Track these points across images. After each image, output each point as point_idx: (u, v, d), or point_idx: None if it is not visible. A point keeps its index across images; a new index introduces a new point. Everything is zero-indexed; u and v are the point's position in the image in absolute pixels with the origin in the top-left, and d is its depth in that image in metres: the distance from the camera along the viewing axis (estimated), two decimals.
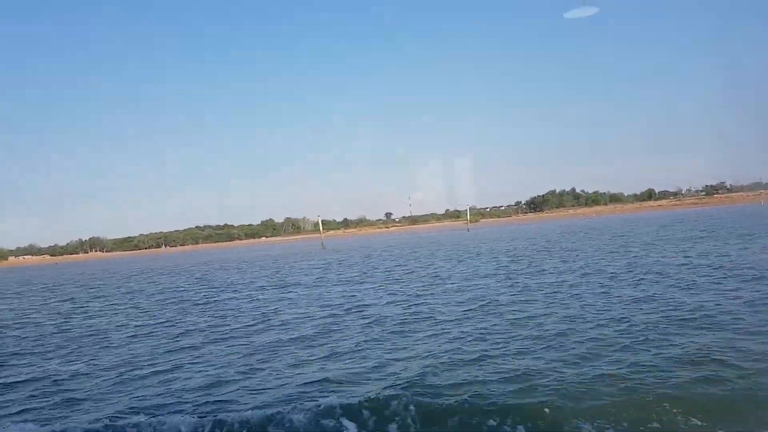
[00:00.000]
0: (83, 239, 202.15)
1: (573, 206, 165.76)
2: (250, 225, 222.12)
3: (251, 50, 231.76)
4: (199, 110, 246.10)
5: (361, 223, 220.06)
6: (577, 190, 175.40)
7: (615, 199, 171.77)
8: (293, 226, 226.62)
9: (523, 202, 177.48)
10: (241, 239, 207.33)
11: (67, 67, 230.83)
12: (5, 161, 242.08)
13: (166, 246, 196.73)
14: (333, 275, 26.80)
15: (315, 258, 45.15)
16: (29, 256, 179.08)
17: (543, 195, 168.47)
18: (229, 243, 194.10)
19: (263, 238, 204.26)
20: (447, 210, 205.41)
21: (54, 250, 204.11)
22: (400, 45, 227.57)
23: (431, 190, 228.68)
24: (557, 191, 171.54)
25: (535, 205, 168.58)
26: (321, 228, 69.87)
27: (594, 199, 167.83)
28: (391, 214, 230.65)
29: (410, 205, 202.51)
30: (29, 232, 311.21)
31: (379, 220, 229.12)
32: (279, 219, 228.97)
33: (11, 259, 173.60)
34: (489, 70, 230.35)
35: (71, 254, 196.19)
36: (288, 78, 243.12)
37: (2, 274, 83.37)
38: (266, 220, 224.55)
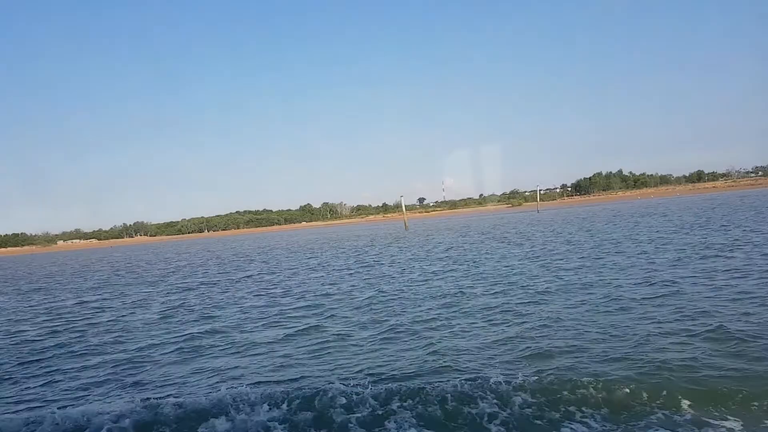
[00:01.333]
0: (128, 224, 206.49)
1: (621, 189, 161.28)
2: (288, 210, 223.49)
3: (286, 45, 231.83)
4: (238, 100, 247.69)
5: (398, 208, 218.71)
6: (624, 172, 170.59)
7: (664, 180, 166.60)
8: (330, 211, 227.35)
9: (568, 185, 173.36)
10: (280, 224, 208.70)
11: (112, 56, 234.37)
12: (48, 150, 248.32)
13: (208, 230, 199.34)
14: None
15: (437, 239, 39.07)
16: (77, 240, 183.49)
17: (590, 177, 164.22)
18: (270, 228, 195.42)
19: (303, 222, 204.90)
20: (481, 195, 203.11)
21: (98, 235, 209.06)
22: (439, 34, 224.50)
23: (462, 176, 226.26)
24: (603, 173, 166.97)
25: (581, 187, 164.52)
26: (404, 209, 68.94)
27: (643, 181, 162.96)
28: (424, 199, 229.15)
29: (443, 190, 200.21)
30: (70, 217, 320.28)
31: (414, 205, 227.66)
32: (315, 204, 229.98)
33: (60, 243, 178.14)
34: (527, 55, 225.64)
35: (116, 238, 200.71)
36: (323, 70, 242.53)
37: (81, 256, 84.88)
38: (304, 205, 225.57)
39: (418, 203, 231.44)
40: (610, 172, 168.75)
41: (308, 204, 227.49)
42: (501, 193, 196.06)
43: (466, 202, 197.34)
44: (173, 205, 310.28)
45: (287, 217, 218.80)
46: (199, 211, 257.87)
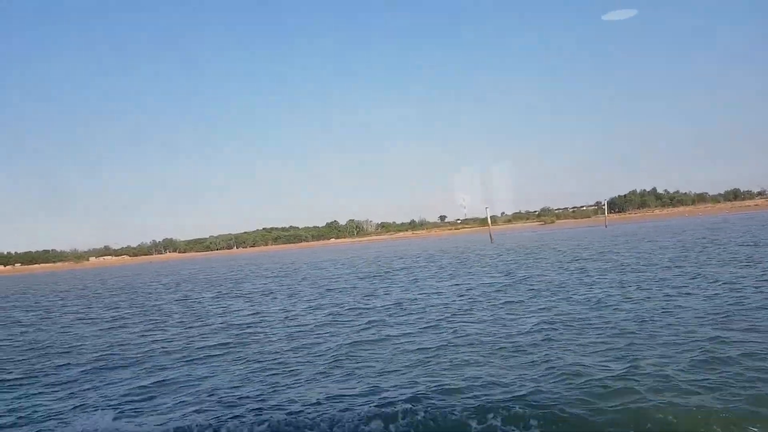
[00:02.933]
0: (157, 240, 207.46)
1: (657, 206, 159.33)
2: (315, 227, 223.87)
3: (310, 60, 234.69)
4: (260, 116, 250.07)
5: (424, 224, 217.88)
6: (659, 190, 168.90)
7: (700, 199, 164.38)
8: (357, 228, 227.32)
9: (602, 203, 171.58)
10: (308, 241, 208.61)
11: (137, 70, 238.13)
12: (73, 166, 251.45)
13: (237, 247, 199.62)
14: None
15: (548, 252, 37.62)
16: (109, 257, 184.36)
17: (624, 195, 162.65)
18: (301, 244, 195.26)
19: (332, 239, 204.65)
20: (503, 213, 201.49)
21: (127, 251, 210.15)
22: (462, 44, 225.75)
23: (479, 193, 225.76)
24: (638, 191, 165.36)
25: (616, 205, 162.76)
26: (489, 221, 68.14)
27: (679, 199, 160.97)
28: (445, 216, 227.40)
29: (464, 207, 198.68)
30: (97, 234, 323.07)
31: (436, 222, 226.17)
32: (337, 221, 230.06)
33: (92, 259, 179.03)
34: (556, 70, 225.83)
35: (144, 255, 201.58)
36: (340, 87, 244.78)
37: (145, 270, 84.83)
38: (331, 222, 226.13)
39: (439, 220, 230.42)
40: (644, 190, 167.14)
41: (335, 221, 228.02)
42: (523, 210, 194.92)
43: (494, 220, 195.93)
44: (192, 222, 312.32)
45: (314, 234, 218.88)
46: (218, 229, 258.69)
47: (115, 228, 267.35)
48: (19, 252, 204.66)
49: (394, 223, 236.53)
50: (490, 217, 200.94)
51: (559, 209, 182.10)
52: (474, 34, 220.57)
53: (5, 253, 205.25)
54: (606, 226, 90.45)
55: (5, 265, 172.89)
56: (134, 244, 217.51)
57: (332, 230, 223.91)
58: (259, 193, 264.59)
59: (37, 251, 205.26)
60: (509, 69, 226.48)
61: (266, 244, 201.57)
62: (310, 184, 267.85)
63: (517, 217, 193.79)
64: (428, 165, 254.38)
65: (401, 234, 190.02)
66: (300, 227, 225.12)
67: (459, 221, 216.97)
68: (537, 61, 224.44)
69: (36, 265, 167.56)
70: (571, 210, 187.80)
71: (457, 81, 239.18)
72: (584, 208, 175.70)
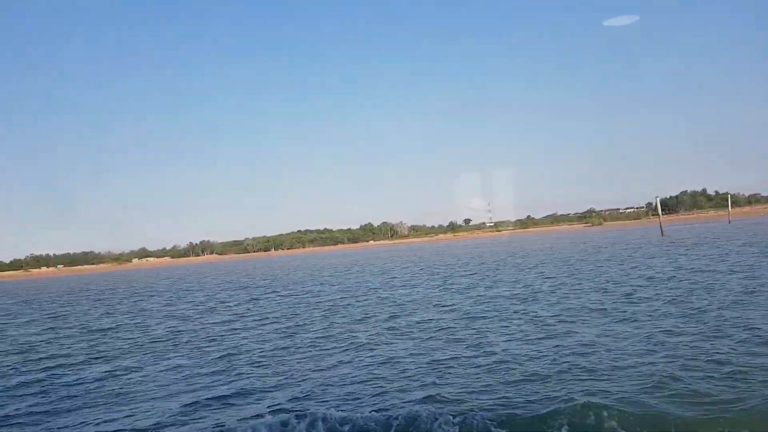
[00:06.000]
0: (194, 242, 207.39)
1: (710, 207, 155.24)
2: (349, 229, 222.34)
3: (341, 60, 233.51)
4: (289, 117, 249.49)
5: (460, 227, 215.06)
6: (708, 191, 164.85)
7: (755, 199, 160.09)
8: (391, 230, 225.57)
9: (653, 204, 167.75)
10: (344, 243, 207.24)
11: (172, 67, 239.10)
12: (106, 171, 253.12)
13: (275, 249, 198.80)
14: None
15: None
16: (152, 258, 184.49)
17: (676, 196, 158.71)
18: (338, 246, 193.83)
19: (371, 241, 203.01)
20: (528, 216, 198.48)
21: (161, 253, 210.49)
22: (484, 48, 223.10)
23: (509, 196, 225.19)
24: (688, 191, 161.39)
25: (667, 206, 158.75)
26: (660, 212, 69.65)
27: (733, 201, 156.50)
28: (470, 220, 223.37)
29: (490, 211, 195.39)
30: (135, 236, 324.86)
31: (481, 223, 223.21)
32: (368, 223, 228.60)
33: (135, 261, 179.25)
34: (592, 72, 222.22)
35: (182, 257, 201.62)
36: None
37: (206, 269, 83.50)
38: (365, 224, 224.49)
39: (464, 223, 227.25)
40: (695, 191, 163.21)
41: (369, 223, 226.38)
42: (559, 213, 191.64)
43: (536, 222, 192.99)
44: (225, 224, 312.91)
45: (349, 237, 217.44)
46: (250, 231, 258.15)
47: (143, 231, 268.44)
48: (57, 254, 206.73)
49: (424, 225, 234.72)
50: (526, 219, 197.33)
51: (603, 210, 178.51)
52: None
53: (43, 255, 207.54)
54: (729, 222, 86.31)
55: (48, 266, 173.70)
56: (168, 246, 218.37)
57: (366, 232, 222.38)
58: (293, 195, 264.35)
59: (76, 253, 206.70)
60: (523, 70, 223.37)
61: (303, 246, 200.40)
62: (342, 186, 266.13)
63: (558, 218, 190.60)
64: (448, 169, 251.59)
65: (441, 236, 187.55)
66: (334, 230, 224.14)
67: (492, 224, 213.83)
68: (566, 62, 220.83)
69: (80, 267, 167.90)
70: (621, 211, 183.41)
71: (464, 84, 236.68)
72: (634, 209, 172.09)
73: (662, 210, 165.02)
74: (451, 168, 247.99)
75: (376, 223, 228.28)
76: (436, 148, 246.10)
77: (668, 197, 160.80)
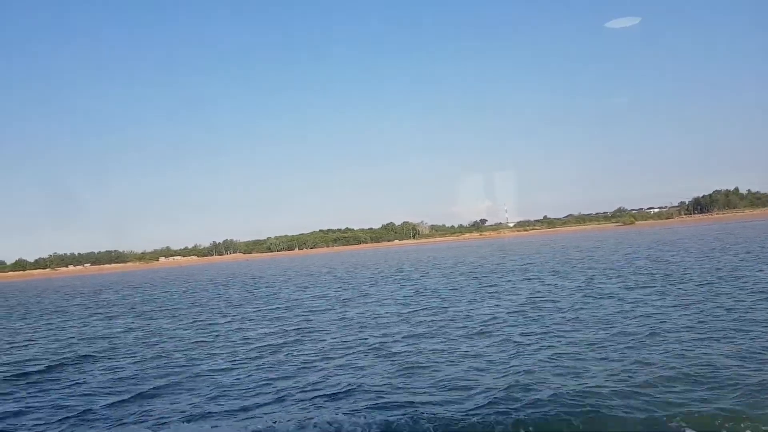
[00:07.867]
0: (217, 241, 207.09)
1: (745, 206, 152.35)
2: (371, 229, 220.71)
3: (366, 62, 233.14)
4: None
5: (486, 227, 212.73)
6: (741, 190, 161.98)
7: None
8: (413, 229, 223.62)
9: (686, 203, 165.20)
10: (366, 242, 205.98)
11: (191, 72, 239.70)
12: (130, 172, 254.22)
13: (298, 248, 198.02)
14: None
15: None
16: (179, 257, 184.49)
17: (710, 195, 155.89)
18: (360, 246, 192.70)
19: (395, 240, 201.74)
20: (545, 216, 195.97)
21: (187, 252, 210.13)
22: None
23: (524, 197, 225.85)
24: (722, 190, 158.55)
25: (701, 205, 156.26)
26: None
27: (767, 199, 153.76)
28: (485, 220, 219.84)
29: (506, 212, 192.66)
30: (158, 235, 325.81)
31: (499, 224, 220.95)
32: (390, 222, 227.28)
33: (162, 260, 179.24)
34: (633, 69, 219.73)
35: (205, 256, 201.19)
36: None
37: (239, 269, 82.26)
38: (387, 224, 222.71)
39: (480, 223, 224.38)
40: (728, 190, 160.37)
41: (391, 222, 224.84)
42: (591, 212, 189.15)
43: (564, 221, 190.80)
44: (247, 223, 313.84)
45: (371, 236, 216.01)
46: (272, 230, 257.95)
47: (163, 230, 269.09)
48: (81, 253, 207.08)
49: (444, 225, 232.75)
50: (543, 219, 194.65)
51: (635, 210, 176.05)
52: None
53: (67, 254, 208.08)
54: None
55: (75, 265, 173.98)
56: (189, 245, 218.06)
57: (388, 232, 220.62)
58: (316, 195, 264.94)
59: (100, 252, 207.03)
60: (530, 73, 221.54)
61: (327, 246, 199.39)
62: (360, 187, 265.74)
63: (587, 218, 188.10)
64: (461, 171, 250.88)
65: (467, 236, 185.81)
66: (355, 229, 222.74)
67: (512, 224, 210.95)
68: (579, 66, 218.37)
69: (108, 266, 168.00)
70: (655, 210, 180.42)
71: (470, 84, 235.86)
72: (666, 208, 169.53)
73: (695, 209, 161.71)
74: (465, 169, 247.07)
75: (396, 223, 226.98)
76: (448, 150, 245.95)
77: (701, 196, 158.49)
